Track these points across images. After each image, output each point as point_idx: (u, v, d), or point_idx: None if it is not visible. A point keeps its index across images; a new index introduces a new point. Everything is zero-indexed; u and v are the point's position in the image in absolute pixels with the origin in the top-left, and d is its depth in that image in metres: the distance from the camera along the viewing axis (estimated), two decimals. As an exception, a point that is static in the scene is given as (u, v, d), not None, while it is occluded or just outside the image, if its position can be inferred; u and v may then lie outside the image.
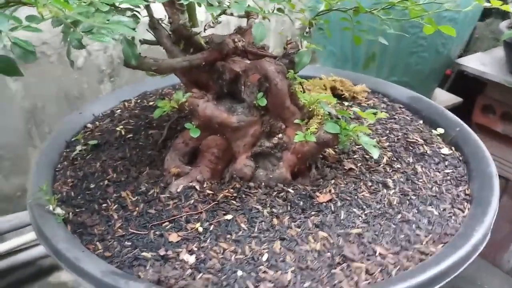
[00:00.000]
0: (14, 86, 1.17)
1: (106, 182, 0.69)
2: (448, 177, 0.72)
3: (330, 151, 0.75)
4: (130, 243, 0.58)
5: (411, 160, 0.76)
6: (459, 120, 0.84)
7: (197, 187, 0.67)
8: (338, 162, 0.74)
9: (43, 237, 0.57)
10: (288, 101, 0.70)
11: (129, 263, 0.55)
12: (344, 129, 0.66)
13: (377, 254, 0.56)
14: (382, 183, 0.70)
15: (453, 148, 0.80)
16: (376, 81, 1.01)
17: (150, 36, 0.73)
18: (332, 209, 0.64)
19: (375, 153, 0.63)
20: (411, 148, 0.79)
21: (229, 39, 0.70)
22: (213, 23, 0.71)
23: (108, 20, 0.51)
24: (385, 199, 0.67)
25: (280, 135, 0.71)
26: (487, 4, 0.62)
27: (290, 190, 0.67)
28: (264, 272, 0.54)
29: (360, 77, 1.02)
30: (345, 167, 0.73)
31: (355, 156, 0.75)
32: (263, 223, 0.61)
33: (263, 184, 0.69)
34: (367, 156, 0.75)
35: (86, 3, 0.51)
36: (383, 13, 0.69)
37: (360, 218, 0.63)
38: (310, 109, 0.74)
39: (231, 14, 0.73)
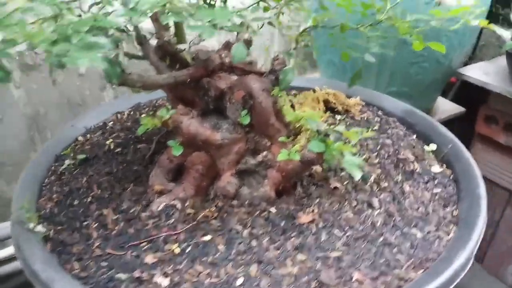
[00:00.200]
0: (16, 93, 1.18)
1: (89, 198, 0.69)
2: (437, 197, 0.71)
3: (317, 168, 0.74)
4: (106, 264, 0.58)
5: (400, 179, 0.74)
6: (452, 136, 0.82)
7: (179, 205, 0.66)
8: (324, 180, 0.73)
9: (21, 257, 0.58)
10: (273, 119, 0.70)
11: (104, 284, 0.55)
12: (328, 148, 0.65)
13: (354, 280, 0.55)
14: (367, 203, 0.68)
15: (444, 165, 0.78)
16: (371, 94, 1.00)
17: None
18: (314, 230, 0.63)
19: (356, 175, 0.62)
20: (401, 165, 0.78)
21: (215, 55, 0.70)
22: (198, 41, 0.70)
23: (85, 41, 0.51)
24: (369, 220, 0.65)
25: (264, 153, 0.70)
26: (474, 23, 0.61)
27: (272, 209, 0.66)
28: (238, 297, 0.53)
29: (356, 89, 1.01)
30: (331, 186, 0.72)
31: (342, 174, 0.74)
32: (241, 244, 0.61)
33: (246, 202, 0.68)
34: (354, 174, 0.74)
35: (65, 24, 0.51)
36: (371, 29, 0.68)
37: (341, 240, 0.62)
38: (297, 126, 0.73)
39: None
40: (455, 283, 0.56)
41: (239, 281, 0.55)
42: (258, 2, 0.62)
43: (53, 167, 0.78)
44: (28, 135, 1.23)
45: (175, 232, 0.62)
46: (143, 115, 0.92)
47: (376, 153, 0.81)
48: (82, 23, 0.52)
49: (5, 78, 0.50)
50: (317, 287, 0.55)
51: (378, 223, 0.65)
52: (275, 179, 0.70)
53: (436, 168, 0.77)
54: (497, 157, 1.31)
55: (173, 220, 0.64)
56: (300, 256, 0.59)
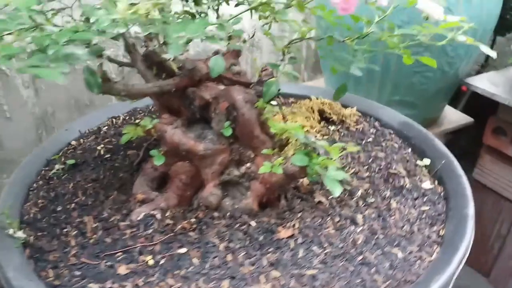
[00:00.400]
0: (25, 93, 1.20)
1: (73, 205, 0.70)
2: (424, 215, 0.69)
3: (304, 181, 0.73)
4: (79, 273, 0.58)
5: (388, 194, 0.73)
6: (446, 151, 0.80)
7: (158, 215, 0.66)
8: (310, 193, 0.72)
9: (-2, 263, 0.58)
10: (257, 130, 0.69)
11: (75, 294, 0.55)
12: (311, 162, 0.64)
13: (325, 300, 0.54)
14: (351, 219, 0.67)
15: (436, 181, 0.76)
16: (370, 104, 0.98)
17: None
18: (292, 246, 0.62)
19: (336, 192, 0.60)
20: (391, 180, 0.76)
21: (202, 65, 0.69)
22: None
23: (61, 53, 0.51)
24: (350, 237, 0.64)
25: (248, 165, 0.69)
26: (461, 39, 0.59)
27: (252, 223, 0.66)
28: (206, 313, 0.53)
29: (354, 98, 0.99)
30: (316, 200, 0.70)
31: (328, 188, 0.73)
32: (216, 258, 0.60)
33: (228, 214, 0.68)
34: (341, 188, 0.73)
35: (44, 35, 0.52)
36: (358, 43, 0.66)
37: (318, 257, 0.61)
38: (283, 138, 0.72)
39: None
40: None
41: (209, 296, 0.55)
42: (241, 13, 0.61)
43: (43, 172, 0.79)
44: (37, 134, 1.26)
45: (151, 243, 0.62)
46: (138, 120, 0.93)
47: (367, 167, 0.79)
48: (60, 35, 0.52)
49: None
50: (287, 306, 0.54)
51: (359, 241, 0.63)
52: (258, 191, 0.69)
53: (427, 184, 0.75)
54: (506, 170, 1.27)
55: (151, 230, 0.64)
56: (275, 273, 0.58)
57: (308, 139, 0.65)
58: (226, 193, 0.70)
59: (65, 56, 0.52)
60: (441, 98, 1.22)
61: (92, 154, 0.82)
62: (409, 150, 0.85)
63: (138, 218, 0.66)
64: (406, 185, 0.74)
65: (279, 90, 0.69)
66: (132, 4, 0.47)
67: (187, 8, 0.70)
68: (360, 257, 0.61)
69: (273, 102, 1.01)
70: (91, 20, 0.48)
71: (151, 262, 0.59)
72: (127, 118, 0.95)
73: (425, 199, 0.72)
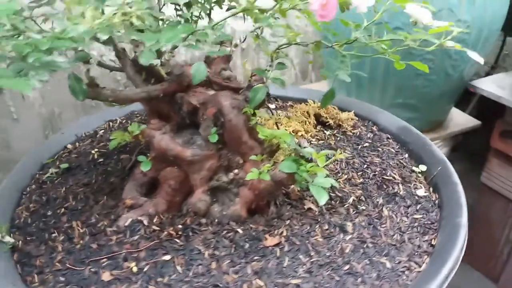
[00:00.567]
0: (32, 94, 1.22)
1: (63, 210, 0.70)
2: (416, 224, 0.67)
3: (293, 187, 0.72)
4: (64, 279, 0.58)
5: (380, 201, 0.71)
6: (443, 157, 0.78)
7: (146, 221, 0.66)
8: (300, 200, 0.71)
9: (-16, 267, 0.59)
10: (245, 136, 0.68)
11: (58, 300, 0.55)
12: (299, 169, 0.63)
13: (307, 311, 0.54)
14: (340, 227, 0.66)
15: (431, 189, 0.74)
16: (369, 108, 0.96)
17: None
18: (277, 254, 0.61)
19: (321, 200, 0.59)
20: (385, 186, 0.74)
21: (190, 70, 0.69)
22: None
23: (41, 61, 0.52)
24: (338, 245, 0.63)
25: (236, 171, 0.69)
26: (449, 45, 0.57)
27: (239, 230, 0.65)
28: (185, 322, 0.52)
29: (353, 102, 0.98)
30: (305, 206, 0.69)
31: (319, 194, 0.72)
32: (200, 266, 0.60)
33: (215, 220, 0.67)
34: (332, 195, 0.72)
35: (24, 42, 0.52)
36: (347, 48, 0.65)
37: (304, 266, 0.60)
38: (273, 143, 0.71)
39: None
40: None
41: (189, 305, 0.54)
42: (225, 19, 0.61)
43: (37, 175, 0.79)
44: (43, 135, 1.27)
45: (137, 249, 0.62)
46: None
47: (361, 172, 0.78)
48: (41, 42, 0.52)
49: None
50: (268, 316, 0.53)
51: (347, 250, 0.62)
52: (247, 197, 0.68)
53: (421, 192, 0.73)
54: (512, 174, 1.24)
55: (137, 236, 0.64)
56: (258, 282, 0.57)
57: (295, 145, 0.64)
58: (215, 199, 0.69)
59: (45, 64, 0.52)
60: (446, 100, 1.20)
61: (86, 158, 0.82)
62: (406, 155, 0.83)
63: (125, 224, 0.66)
64: (399, 192, 0.73)
65: (268, 94, 0.68)
66: (102, 13, 0.47)
67: (180, 13, 0.70)
68: (347, 267, 0.60)
69: (271, 106, 1.01)
70: (56, 30, 0.48)
71: (135, 269, 0.59)
72: (124, 121, 0.95)
73: (418, 207, 0.70)
